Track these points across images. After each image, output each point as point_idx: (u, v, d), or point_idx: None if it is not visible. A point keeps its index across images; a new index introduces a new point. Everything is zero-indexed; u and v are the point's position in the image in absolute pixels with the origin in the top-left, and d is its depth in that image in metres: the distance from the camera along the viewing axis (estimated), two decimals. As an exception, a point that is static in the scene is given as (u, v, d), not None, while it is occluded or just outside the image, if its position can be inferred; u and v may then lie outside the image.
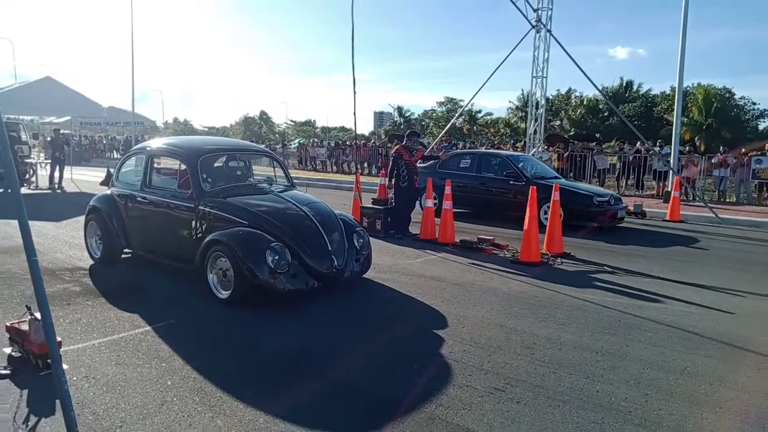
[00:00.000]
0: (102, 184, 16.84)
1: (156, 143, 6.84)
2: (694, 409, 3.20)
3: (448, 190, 8.61)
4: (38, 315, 3.69)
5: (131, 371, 3.64)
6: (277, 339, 4.33)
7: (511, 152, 14.29)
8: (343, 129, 78.34)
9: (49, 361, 3.61)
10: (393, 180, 9.01)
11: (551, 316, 4.92)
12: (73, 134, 29.03)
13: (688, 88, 43.24)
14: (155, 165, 6.42)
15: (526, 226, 7.17)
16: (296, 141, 42.33)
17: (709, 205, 12.84)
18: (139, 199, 6.17)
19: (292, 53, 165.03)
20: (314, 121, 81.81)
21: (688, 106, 40.91)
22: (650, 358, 3.97)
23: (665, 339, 4.36)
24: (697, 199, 14.45)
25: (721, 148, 18.54)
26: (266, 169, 7.28)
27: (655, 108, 43.97)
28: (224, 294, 5.07)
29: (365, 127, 75.75)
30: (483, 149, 18.66)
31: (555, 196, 7.71)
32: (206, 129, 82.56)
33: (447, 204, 8.50)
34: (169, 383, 3.47)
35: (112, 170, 18.43)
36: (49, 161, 16.33)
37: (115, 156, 35.64)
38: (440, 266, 6.95)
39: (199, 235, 5.49)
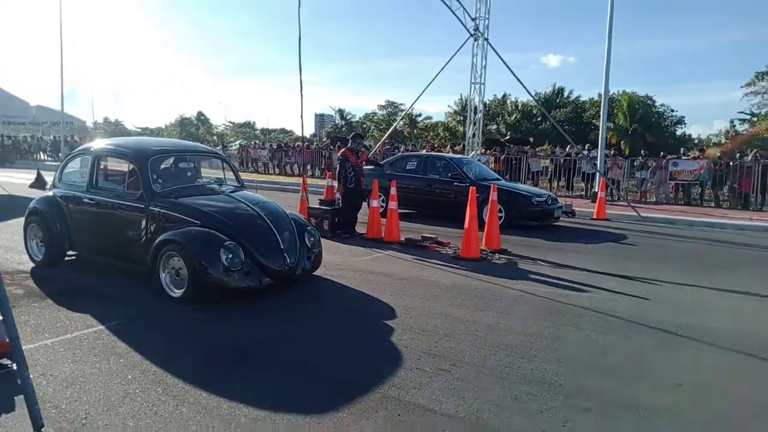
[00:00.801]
0: (32, 186, 16.19)
1: (101, 144, 6.75)
2: (613, 381, 3.64)
3: (393, 191, 8.94)
4: (-9, 315, 3.69)
5: (89, 368, 3.70)
6: (234, 333, 4.48)
7: (454, 155, 14.84)
8: (283, 131, 77.53)
9: (3, 361, 3.65)
10: (341, 182, 9.24)
11: (491, 305, 5.32)
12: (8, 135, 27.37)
13: (614, 95, 45.88)
14: (102, 166, 6.34)
15: (466, 225, 7.60)
16: (237, 143, 41.62)
17: (632, 204, 13.86)
18: (85, 200, 6.11)
19: (229, 53, 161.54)
20: (254, 122, 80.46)
21: (614, 112, 43.43)
22: (576, 339, 4.42)
23: (590, 323, 4.85)
24: (621, 199, 15.52)
25: (642, 151, 19.91)
26: (215, 171, 7.34)
27: (584, 113, 46.38)
28: (177, 292, 5.14)
29: (306, 128, 75.27)
30: (425, 152, 19.20)
31: (493, 196, 8.20)
32: (139, 130, 79.45)
33: (392, 204, 8.82)
34: (130, 377, 3.57)
35: (42, 172, 17.64)
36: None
37: (42, 157, 33.89)
38: (387, 263, 7.26)
39: (150, 235, 5.52)
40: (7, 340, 3.60)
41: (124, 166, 6.30)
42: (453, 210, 10.88)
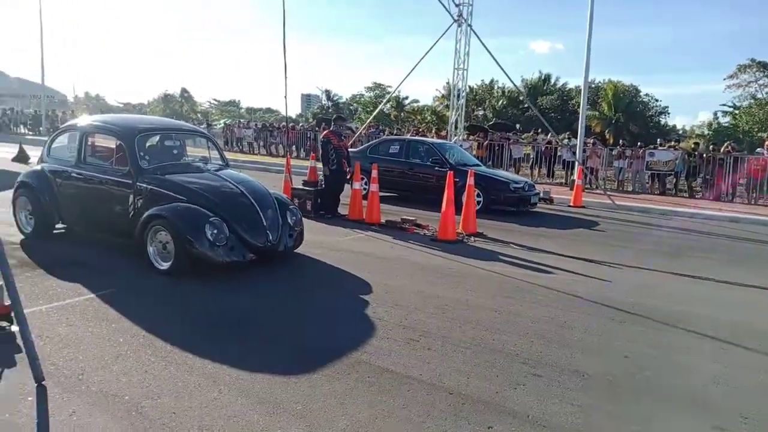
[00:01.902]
0: (14, 160, 16.13)
1: (88, 120, 6.94)
2: (566, 351, 4.00)
3: (374, 173, 9.21)
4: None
5: (83, 331, 3.97)
6: (217, 304, 4.76)
7: (436, 140, 15.11)
8: (269, 110, 76.97)
9: (1, 323, 3.90)
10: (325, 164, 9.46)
11: (461, 284, 5.66)
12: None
13: (600, 84, 46.41)
14: (89, 142, 6.49)
15: (443, 208, 7.92)
16: (222, 121, 41.40)
17: (607, 193, 14.31)
18: (74, 175, 6.29)
19: (213, 29, 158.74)
20: (239, 101, 79.91)
21: (599, 101, 43.96)
22: (538, 315, 4.78)
23: (552, 301, 5.22)
24: (598, 187, 15.97)
25: (621, 141, 20.37)
26: (200, 150, 7.55)
27: (570, 101, 46.78)
28: (165, 265, 5.39)
29: (293, 109, 74.43)
30: (409, 136, 19.43)
31: (470, 180, 8.53)
32: (122, 105, 78.31)
33: (374, 187, 9.10)
34: (121, 340, 3.84)
35: (25, 146, 17.53)
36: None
37: (23, 131, 33.46)
38: (367, 243, 7.57)
39: (137, 210, 5.74)
40: (6, 304, 3.88)
41: (112, 143, 6.45)
42: (433, 194, 11.08)
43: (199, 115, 62.94)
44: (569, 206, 12.99)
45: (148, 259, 5.50)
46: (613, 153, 17.89)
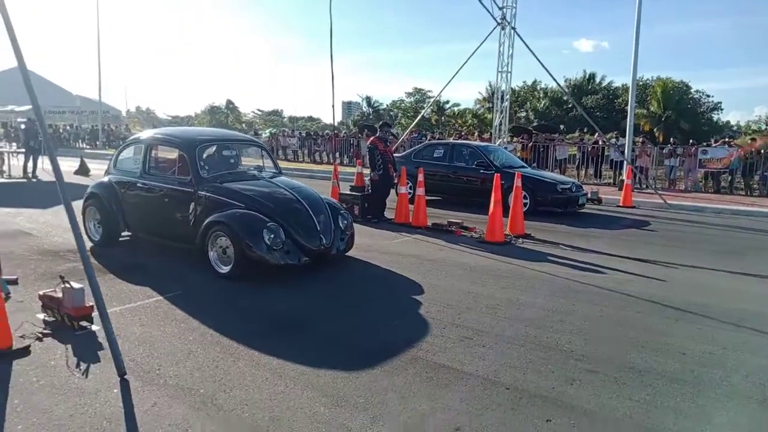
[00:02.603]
0: (77, 173, 17.04)
1: (151, 133, 7.36)
2: (621, 348, 4.01)
3: (420, 177, 9.33)
4: (74, 284, 4.27)
5: (155, 330, 4.25)
6: (275, 304, 4.98)
7: (481, 143, 15.11)
8: (311, 118, 78.24)
9: (82, 323, 4.22)
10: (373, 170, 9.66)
11: (511, 284, 5.71)
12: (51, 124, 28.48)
13: (648, 81, 45.09)
14: (153, 154, 6.87)
15: (491, 210, 7.95)
16: (267, 131, 42.41)
17: (658, 192, 13.95)
18: (139, 185, 6.68)
19: (257, 41, 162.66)
20: (282, 110, 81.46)
21: (648, 99, 42.68)
22: (591, 314, 4.79)
23: (604, 300, 5.20)
24: (649, 186, 15.57)
25: (671, 139, 19.78)
26: (253, 159, 7.85)
27: (616, 100, 45.62)
28: (225, 269, 5.67)
29: (335, 116, 75.74)
30: (452, 140, 19.46)
31: (517, 182, 8.53)
32: (170, 118, 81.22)
33: (420, 190, 9.22)
34: (191, 338, 4.09)
35: (85, 159, 18.46)
36: (23, 150, 16.39)
37: (82, 145, 35.18)
38: (414, 246, 7.69)
39: (198, 217, 6.05)
40: (89, 305, 4.20)
41: (173, 154, 6.85)
42: (479, 197, 11.16)
43: (243, 125, 64.56)
44: (619, 206, 12.75)
45: (208, 263, 5.80)
46: (664, 151, 17.40)
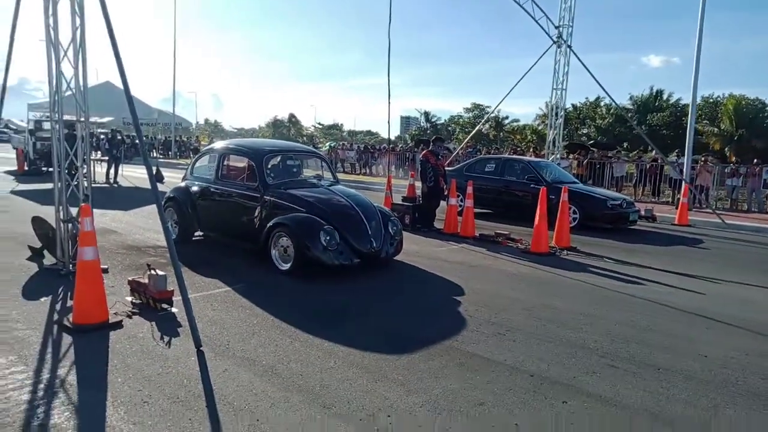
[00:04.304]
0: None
1: (224, 144, 8.22)
2: (646, 349, 4.28)
3: (469, 190, 9.73)
4: (159, 272, 4.98)
5: (224, 314, 4.88)
6: (329, 298, 5.53)
7: (533, 158, 15.30)
8: (369, 133, 79.79)
9: (164, 305, 4.91)
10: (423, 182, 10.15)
11: (549, 291, 6.02)
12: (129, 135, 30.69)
13: (719, 99, 43.41)
14: (225, 162, 7.63)
15: (536, 222, 8.25)
16: (327, 144, 43.75)
17: (716, 211, 13.66)
18: (212, 189, 7.48)
19: (318, 58, 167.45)
20: (341, 124, 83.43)
21: (719, 116, 41.03)
22: (622, 319, 5.05)
23: (639, 308, 5.44)
24: (708, 206, 15.23)
25: (733, 158, 19.11)
26: (313, 169, 8.51)
27: (684, 117, 43.97)
28: (285, 266, 6.30)
29: (392, 131, 76.77)
30: (506, 155, 19.67)
31: (564, 197, 8.78)
32: (236, 130, 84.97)
33: (468, 202, 9.62)
34: (255, 322, 4.69)
35: (160, 168, 19.86)
36: (106, 159, 17.95)
37: (155, 155, 37.56)
38: (460, 254, 8.08)
39: (264, 219, 6.71)
40: (170, 290, 4.88)
41: (243, 163, 7.56)
42: (529, 211, 11.32)
43: (304, 138, 66.65)
44: (673, 224, 12.60)
45: (269, 261, 6.44)
46: (726, 171, 16.93)
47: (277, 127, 77.22)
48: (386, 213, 7.26)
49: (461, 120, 58.31)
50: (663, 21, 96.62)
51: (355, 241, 6.39)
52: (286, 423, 3.04)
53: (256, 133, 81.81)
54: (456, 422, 3.09)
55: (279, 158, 7.64)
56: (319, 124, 79.39)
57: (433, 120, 61.11)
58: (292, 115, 78.66)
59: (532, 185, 11.56)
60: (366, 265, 6.47)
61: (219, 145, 8.16)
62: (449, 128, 59.21)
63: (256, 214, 6.86)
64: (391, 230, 6.86)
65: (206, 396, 3.31)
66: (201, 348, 4.01)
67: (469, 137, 22.42)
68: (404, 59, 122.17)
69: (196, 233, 7.92)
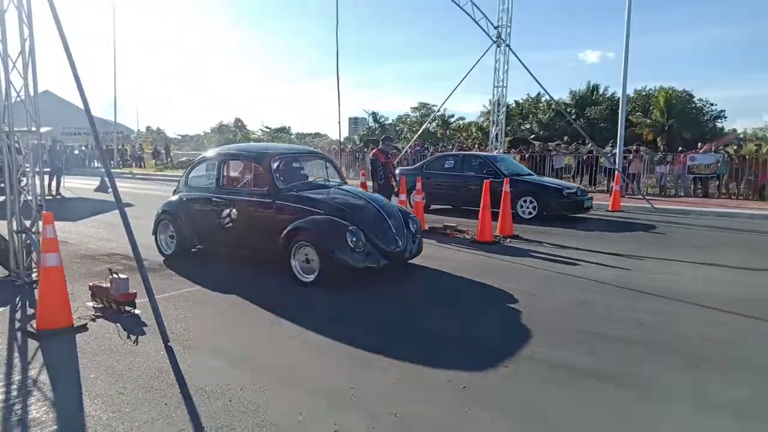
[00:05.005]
0: (97, 190, 18.01)
1: (221, 151, 7.62)
2: (587, 319, 4.79)
3: (418, 185, 10.18)
4: (121, 275, 5.12)
5: (190, 312, 5.07)
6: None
7: (489, 153, 15.79)
8: (318, 134, 79.66)
9: (127, 307, 5.05)
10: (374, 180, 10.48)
11: (492, 274, 6.51)
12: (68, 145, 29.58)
13: (651, 91, 45.90)
14: (226, 170, 7.13)
15: (480, 213, 8.76)
16: (275, 147, 43.33)
17: (646, 197, 14.68)
18: (214, 199, 6.94)
19: (263, 61, 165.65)
20: (289, 127, 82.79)
21: (651, 108, 43.42)
22: (561, 295, 5.60)
23: (575, 285, 6.01)
24: (638, 192, 16.31)
25: (661, 146, 20.46)
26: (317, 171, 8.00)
27: (619, 110, 46.14)
28: (308, 277, 5.84)
29: (341, 132, 76.78)
30: (462, 152, 20.27)
31: (505, 188, 9.35)
32: (180, 137, 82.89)
33: (417, 197, 10.06)
34: (223, 318, 4.90)
35: (105, 178, 19.37)
36: (48, 170, 17.40)
37: (96, 164, 36.28)
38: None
39: (277, 225, 6.14)
40: (132, 292, 5.03)
41: (248, 168, 7.08)
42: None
43: (252, 142, 65.87)
44: (607, 211, 13.45)
45: (291, 272, 5.96)
46: (655, 159, 18.15)
47: (223, 132, 75.88)
48: (405, 210, 6.97)
49: (408, 119, 59.21)
50: (598, 18, 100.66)
51: (381, 241, 6.01)
52: (257, 402, 3.31)
53: (201, 139, 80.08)
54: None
55: (286, 161, 7.10)
56: (267, 127, 78.51)
57: (381, 120, 61.75)
58: (238, 120, 77.66)
59: (491, 179, 11.90)
60: (390, 269, 6.14)
61: (213, 152, 7.67)
62: (397, 128, 59.97)
63: (268, 220, 6.39)
64: (412, 228, 6.53)
65: (179, 384, 3.54)
66: (169, 343, 4.22)
67: (416, 136, 22.99)
68: (351, 60, 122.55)
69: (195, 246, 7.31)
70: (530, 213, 11.35)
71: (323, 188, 6.82)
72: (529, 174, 13.02)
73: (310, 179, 7.18)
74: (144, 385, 3.53)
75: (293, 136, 79.67)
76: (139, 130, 78.79)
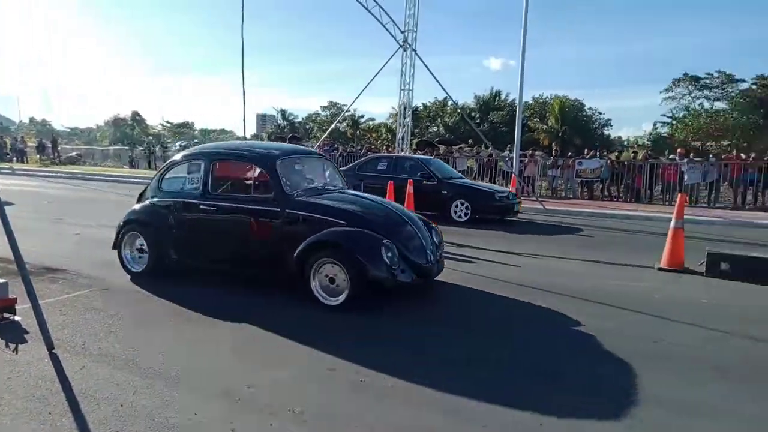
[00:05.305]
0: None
1: (208, 149, 6.73)
2: (481, 317, 5.11)
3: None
4: (-1, 279, 4.74)
5: (77, 317, 4.81)
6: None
7: (421, 156, 15.97)
8: (223, 131, 77.20)
9: (5, 314, 4.70)
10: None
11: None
12: None
13: (547, 99, 49.05)
14: (216, 172, 6.00)
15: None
16: (177, 144, 41.56)
17: (539, 199, 15.74)
18: (202, 207, 5.83)
19: (164, 52, 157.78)
20: (192, 123, 79.55)
21: (547, 115, 46.45)
22: (463, 294, 5.94)
23: (473, 281, 6.38)
24: (532, 195, 17.47)
25: (554, 151, 22.00)
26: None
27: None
28: (334, 300, 5.02)
29: (248, 129, 74.90)
30: (373, 153, 20.54)
31: (409, 189, 9.67)
32: (69, 130, 76.98)
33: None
34: (110, 322, 4.70)
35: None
36: None
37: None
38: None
39: (287, 238, 5.34)
40: (11, 297, 4.70)
41: (247, 171, 6.20)
42: (421, 206, 10.57)
43: (151, 137, 62.46)
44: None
45: (311, 293, 5.11)
46: (548, 163, 19.50)
47: (119, 126, 71.39)
48: (426, 220, 6.15)
49: (318, 118, 58.91)
50: (502, 27, 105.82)
51: (412, 255, 5.31)
52: (151, 406, 3.24)
53: (94, 132, 74.82)
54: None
55: (290, 162, 6.04)
56: (168, 122, 74.83)
57: (290, 118, 60.94)
58: (135, 113, 73.34)
59: (424, 182, 11.94)
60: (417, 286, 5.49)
61: (196, 152, 6.56)
62: (307, 126, 59.49)
63: (273, 231, 5.48)
64: (435, 240, 5.87)
65: (65, 391, 3.38)
66: (53, 350, 3.99)
67: (325, 134, 23.02)
68: (259, 56, 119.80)
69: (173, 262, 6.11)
70: (465, 215, 11.58)
71: (332, 193, 6.00)
72: (461, 177, 13.35)
73: (317, 183, 6.27)
74: (25, 394, 3.33)
75: (197, 132, 76.60)
76: (21, 121, 72.25)
